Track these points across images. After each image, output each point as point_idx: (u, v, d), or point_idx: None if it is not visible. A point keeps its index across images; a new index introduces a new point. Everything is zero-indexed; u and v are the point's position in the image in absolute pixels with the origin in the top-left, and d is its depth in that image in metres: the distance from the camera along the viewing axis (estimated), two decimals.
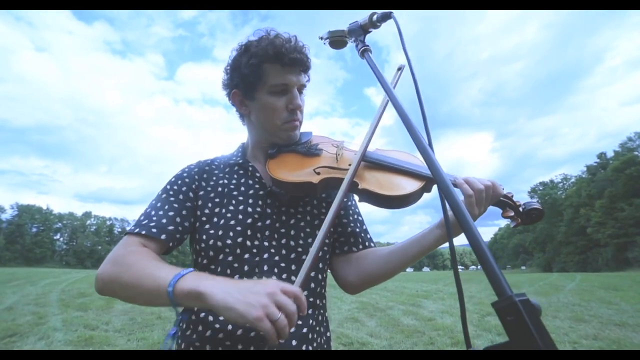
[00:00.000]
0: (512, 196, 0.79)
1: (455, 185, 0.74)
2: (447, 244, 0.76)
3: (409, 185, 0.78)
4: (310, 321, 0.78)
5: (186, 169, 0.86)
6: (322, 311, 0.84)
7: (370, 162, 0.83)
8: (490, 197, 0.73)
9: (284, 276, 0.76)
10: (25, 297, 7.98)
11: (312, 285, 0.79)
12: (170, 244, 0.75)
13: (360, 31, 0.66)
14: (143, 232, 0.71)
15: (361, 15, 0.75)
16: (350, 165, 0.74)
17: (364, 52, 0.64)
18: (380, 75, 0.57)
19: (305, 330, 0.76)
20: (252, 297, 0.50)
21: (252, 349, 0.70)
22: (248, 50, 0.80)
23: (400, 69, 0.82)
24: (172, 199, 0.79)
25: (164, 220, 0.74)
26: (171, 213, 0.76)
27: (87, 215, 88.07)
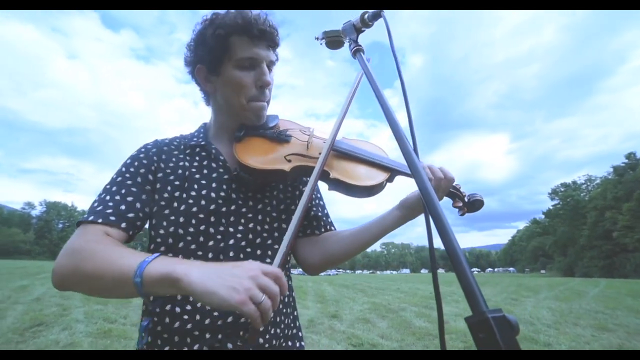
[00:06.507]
0: (460, 187, 0.87)
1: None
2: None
3: (376, 176, 0.82)
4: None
5: (142, 149, 0.78)
6: (287, 292, 0.83)
7: (340, 152, 0.84)
8: (447, 187, 0.78)
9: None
10: (52, 289, 8.37)
11: None
12: (130, 232, 0.68)
13: (353, 30, 0.65)
14: (99, 221, 0.63)
15: None
16: (320, 153, 0.73)
17: (356, 52, 0.62)
18: (371, 76, 0.56)
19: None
20: (235, 281, 0.47)
21: (219, 337, 0.68)
22: (214, 22, 0.74)
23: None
24: (129, 182, 0.71)
25: (123, 207, 0.67)
26: (130, 198, 0.69)
27: None
